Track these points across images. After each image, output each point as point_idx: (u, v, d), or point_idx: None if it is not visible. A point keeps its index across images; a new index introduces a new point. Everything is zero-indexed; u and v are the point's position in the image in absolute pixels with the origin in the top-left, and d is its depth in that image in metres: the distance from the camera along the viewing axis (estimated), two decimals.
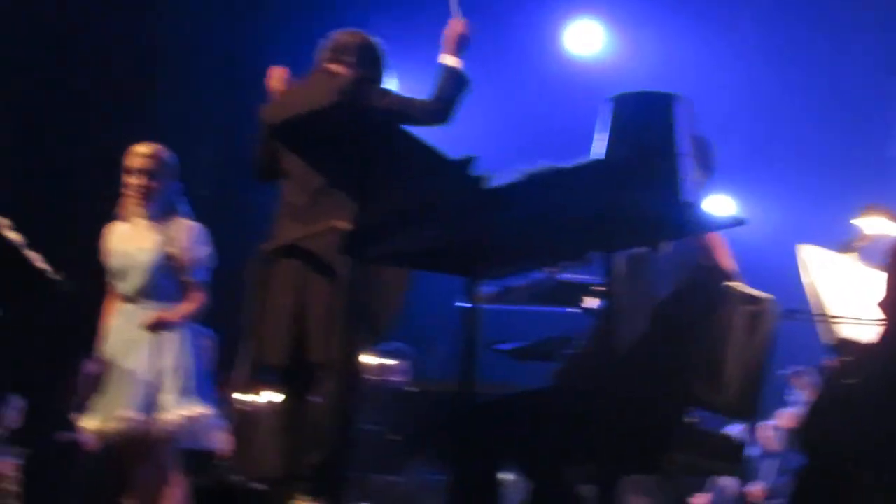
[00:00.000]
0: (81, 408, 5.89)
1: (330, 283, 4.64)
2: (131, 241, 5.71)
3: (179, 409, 5.48)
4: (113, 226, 5.81)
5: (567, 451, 3.63)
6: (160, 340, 5.56)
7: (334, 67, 5.15)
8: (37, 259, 5.62)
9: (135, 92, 9.98)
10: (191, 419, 5.49)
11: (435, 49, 5.08)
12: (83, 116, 9.81)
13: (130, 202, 5.72)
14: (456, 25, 5.08)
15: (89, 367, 7.97)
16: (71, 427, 7.30)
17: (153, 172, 5.70)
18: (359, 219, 3.42)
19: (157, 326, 5.55)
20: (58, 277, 5.56)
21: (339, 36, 5.24)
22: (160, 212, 5.72)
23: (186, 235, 5.68)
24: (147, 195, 5.69)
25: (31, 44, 9.99)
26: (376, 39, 5.26)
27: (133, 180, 5.69)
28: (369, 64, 5.17)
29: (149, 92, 10.02)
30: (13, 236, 5.64)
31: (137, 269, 5.65)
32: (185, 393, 5.51)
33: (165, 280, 5.66)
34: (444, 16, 5.10)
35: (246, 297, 4.64)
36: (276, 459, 4.92)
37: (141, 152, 5.71)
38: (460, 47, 5.07)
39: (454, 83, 5.02)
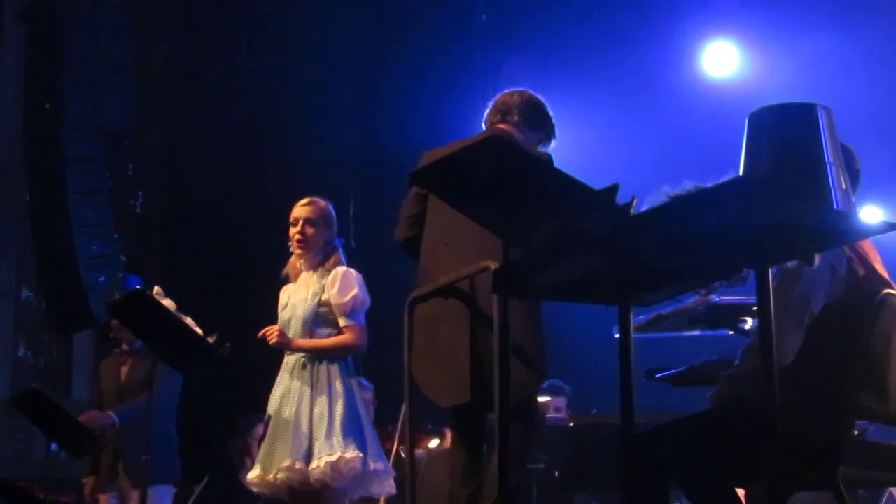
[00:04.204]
0: (250, 466, 6.02)
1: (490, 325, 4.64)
2: (296, 294, 5.89)
3: (331, 456, 5.54)
4: (285, 287, 5.99)
5: (735, 471, 3.61)
6: (316, 388, 5.67)
7: (502, 127, 5.12)
8: (192, 325, 5.79)
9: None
10: (347, 465, 5.54)
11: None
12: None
13: (295, 254, 5.92)
14: None
15: (260, 427, 8.16)
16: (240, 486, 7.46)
17: (312, 222, 5.88)
18: (508, 256, 3.46)
19: (278, 343, 5.67)
20: (213, 341, 5.73)
21: (502, 97, 5.21)
22: (320, 262, 5.88)
23: (338, 281, 5.78)
24: (307, 245, 5.86)
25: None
26: (539, 97, 5.22)
27: (294, 231, 5.88)
28: (534, 121, 5.14)
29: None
30: (168, 303, 5.83)
31: (296, 320, 5.81)
32: (338, 439, 5.57)
33: (323, 329, 5.77)
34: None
35: (405, 347, 4.66)
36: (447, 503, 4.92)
37: (301, 204, 5.93)
38: None
39: None
